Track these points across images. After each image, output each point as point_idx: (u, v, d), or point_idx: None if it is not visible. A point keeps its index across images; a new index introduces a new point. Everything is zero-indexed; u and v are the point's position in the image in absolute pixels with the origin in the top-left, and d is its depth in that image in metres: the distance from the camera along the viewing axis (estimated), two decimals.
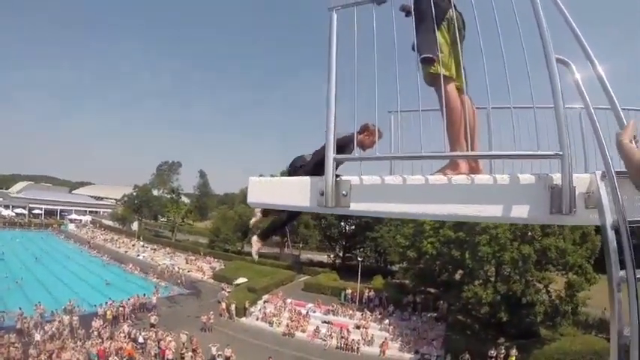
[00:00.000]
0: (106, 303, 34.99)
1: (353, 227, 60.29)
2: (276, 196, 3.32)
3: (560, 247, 29.57)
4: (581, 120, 4.19)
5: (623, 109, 2.61)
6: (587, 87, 3.05)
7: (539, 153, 2.67)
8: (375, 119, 3.35)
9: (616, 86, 2.63)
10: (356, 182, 2.96)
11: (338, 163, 3.02)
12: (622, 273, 2.23)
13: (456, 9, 3.54)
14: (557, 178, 2.52)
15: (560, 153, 2.50)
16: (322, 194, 2.93)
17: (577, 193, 2.49)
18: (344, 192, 2.92)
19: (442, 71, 3.23)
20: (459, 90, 3.50)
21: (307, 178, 3.17)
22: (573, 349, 28.85)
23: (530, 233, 31.26)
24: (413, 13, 3.19)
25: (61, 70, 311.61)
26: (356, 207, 2.94)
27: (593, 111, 2.88)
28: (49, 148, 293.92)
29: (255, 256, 6.12)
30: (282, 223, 5.36)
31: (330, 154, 2.93)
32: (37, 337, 27.92)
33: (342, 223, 60.18)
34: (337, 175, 2.98)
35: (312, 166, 4.17)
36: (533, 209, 2.56)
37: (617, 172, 2.39)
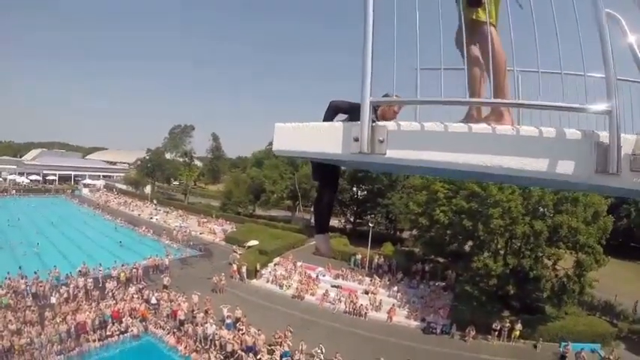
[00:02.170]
0: (121, 265, 35.67)
1: (365, 193, 60.33)
2: (304, 142, 3.17)
3: (572, 226, 29.29)
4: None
5: None
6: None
7: (587, 106, 2.53)
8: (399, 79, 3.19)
9: None
10: (393, 128, 2.80)
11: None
12: None
13: None
14: (603, 136, 2.39)
15: (609, 109, 2.37)
16: (357, 140, 2.78)
17: (623, 153, 2.36)
18: (380, 138, 2.76)
19: (486, 18, 3.11)
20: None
21: (340, 123, 3.04)
22: (577, 328, 29.15)
23: (542, 209, 31.05)
24: None
25: (70, 35, 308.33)
26: (393, 154, 2.77)
27: None
28: (61, 115, 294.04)
29: (329, 253, 5.66)
30: (324, 204, 4.65)
31: (367, 96, 2.77)
32: (53, 299, 28.74)
33: (354, 189, 60.23)
34: (373, 120, 2.83)
35: (330, 117, 4.00)
36: (579, 166, 2.42)
37: None
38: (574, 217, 29.41)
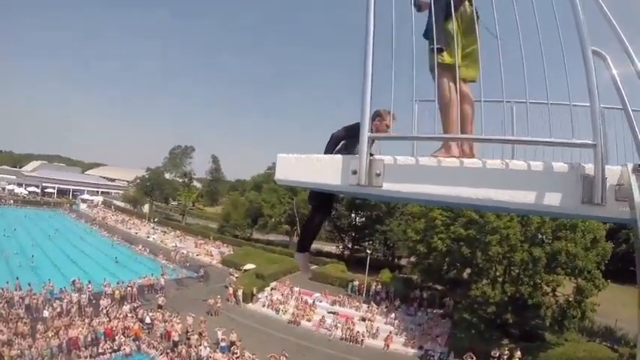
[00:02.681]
0: (116, 283, 35.45)
1: (363, 219, 60.36)
2: (305, 173, 3.32)
3: (570, 252, 29.35)
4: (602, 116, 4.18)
5: None
6: (623, 83, 3.05)
7: (572, 141, 2.70)
8: (397, 107, 3.41)
9: None
10: (390, 162, 2.96)
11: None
12: None
13: (470, 2, 3.69)
14: (589, 168, 2.55)
15: (594, 143, 2.52)
16: (355, 173, 2.93)
17: (608, 184, 2.51)
18: (377, 171, 2.91)
19: (439, 60, 3.39)
20: (465, 79, 3.65)
21: (339, 156, 3.19)
22: (577, 355, 28.68)
23: (540, 236, 31.13)
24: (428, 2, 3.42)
25: (75, 51, 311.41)
26: (389, 187, 2.92)
27: (629, 106, 2.88)
28: (63, 129, 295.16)
29: (307, 273, 5.85)
30: (313, 226, 4.94)
31: (365, 132, 2.93)
32: (46, 313, 28.56)
33: (353, 215, 60.26)
34: (371, 154, 2.99)
35: (331, 148, 4.20)
36: (565, 198, 2.57)
37: None
38: (572, 243, 29.46)
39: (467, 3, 3.62)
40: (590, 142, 2.55)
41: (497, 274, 32.72)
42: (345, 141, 3.96)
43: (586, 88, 2.60)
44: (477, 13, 3.67)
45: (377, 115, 4.08)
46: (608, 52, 3.06)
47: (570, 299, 30.48)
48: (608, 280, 30.38)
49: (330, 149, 3.95)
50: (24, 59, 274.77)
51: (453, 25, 3.36)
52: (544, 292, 31.25)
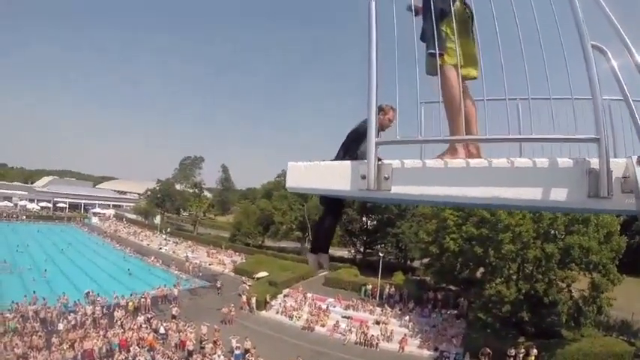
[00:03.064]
0: (130, 294, 35.63)
1: (374, 223, 60.37)
2: (315, 180, 3.41)
3: (584, 246, 29.13)
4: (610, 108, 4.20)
5: None
6: (623, 75, 3.07)
7: (576, 137, 2.73)
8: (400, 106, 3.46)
9: None
10: (397, 166, 3.01)
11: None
12: None
13: (463, 1, 3.76)
14: (594, 162, 2.57)
15: (597, 137, 2.55)
16: (364, 178, 2.99)
17: (613, 177, 2.52)
18: (386, 175, 2.98)
19: (442, 62, 3.45)
20: (465, 78, 3.69)
21: (348, 162, 3.26)
22: (594, 350, 28.50)
23: (553, 232, 30.90)
24: (422, 6, 3.50)
25: (84, 67, 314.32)
26: (397, 190, 2.98)
27: (630, 98, 2.90)
28: (73, 144, 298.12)
29: (319, 271, 5.89)
30: (324, 227, 5.03)
31: (373, 138, 3.00)
32: (60, 326, 28.80)
33: (364, 219, 60.28)
34: (379, 159, 3.05)
35: (341, 155, 4.28)
36: (572, 193, 2.60)
37: None
38: (586, 237, 29.24)
39: (458, 3, 3.64)
40: (593, 136, 2.58)
41: (511, 272, 32.42)
42: (352, 143, 4.06)
43: (587, 82, 2.63)
44: (470, 11, 3.74)
45: (380, 110, 4.15)
46: (608, 47, 3.08)
47: (586, 294, 30.23)
48: (623, 275, 30.11)
49: (340, 156, 4.08)
50: (32, 74, 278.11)
51: (452, 26, 3.40)
52: (559, 288, 31.00)
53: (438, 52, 3.37)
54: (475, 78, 3.79)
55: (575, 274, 30.73)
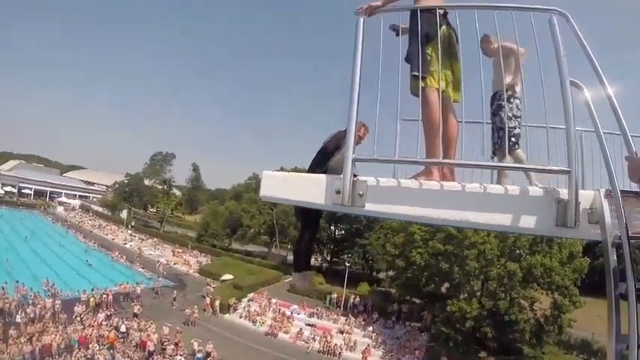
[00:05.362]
0: (92, 290, 34.75)
1: (342, 232, 60.54)
2: (290, 191, 3.40)
3: (546, 265, 29.85)
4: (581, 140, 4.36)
5: (633, 136, 2.74)
6: (597, 110, 3.21)
7: (548, 168, 2.83)
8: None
9: (628, 111, 2.79)
10: (372, 183, 3.05)
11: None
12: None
13: (449, 26, 3.81)
14: (563, 192, 2.69)
15: (568, 169, 2.66)
16: (338, 192, 3.02)
17: (581, 208, 2.64)
18: (360, 192, 3.01)
19: (424, 84, 3.52)
20: (447, 100, 3.76)
21: (324, 176, 3.28)
22: None
23: (518, 251, 31.58)
24: (408, 28, 3.60)
25: (59, 51, 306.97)
26: (371, 207, 3.02)
27: (602, 133, 3.02)
28: (43, 129, 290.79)
29: (304, 286, 5.85)
30: (305, 242, 5.04)
31: (350, 155, 3.04)
32: (18, 318, 27.81)
33: (332, 227, 60.36)
34: (355, 175, 3.08)
35: (313, 167, 4.34)
36: (540, 220, 2.70)
37: (621, 191, 2.54)
38: (548, 257, 29.95)
39: (444, 27, 3.73)
40: (565, 168, 2.68)
41: (475, 288, 33.01)
42: (320, 159, 4.14)
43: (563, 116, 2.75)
44: (455, 35, 3.80)
45: None
46: (582, 80, 3.22)
47: (547, 314, 30.93)
48: (584, 300, 30.88)
49: (312, 167, 4.20)
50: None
51: (438, 50, 3.48)
52: (522, 307, 31.62)
53: (420, 75, 3.45)
54: (457, 102, 3.88)
55: (538, 294, 31.42)
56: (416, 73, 3.48)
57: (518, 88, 4.15)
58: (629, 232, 2.37)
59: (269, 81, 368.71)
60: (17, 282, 33.08)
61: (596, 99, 3.12)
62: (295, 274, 4.94)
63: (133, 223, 79.35)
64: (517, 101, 4.39)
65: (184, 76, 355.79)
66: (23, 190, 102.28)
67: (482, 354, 31.37)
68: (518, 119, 4.31)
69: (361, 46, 3.17)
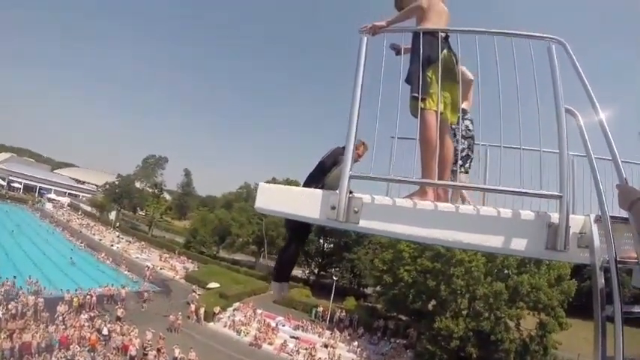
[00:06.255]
0: (75, 290, 34.35)
1: (331, 246, 60.53)
2: (285, 204, 3.44)
3: (532, 284, 30.02)
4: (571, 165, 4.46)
5: (623, 161, 2.83)
6: (589, 136, 3.30)
7: (540, 192, 2.91)
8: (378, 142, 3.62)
9: (621, 138, 2.88)
10: (368, 200, 3.10)
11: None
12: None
13: (450, 49, 3.88)
14: (554, 217, 2.76)
15: (560, 194, 2.74)
16: (334, 208, 3.06)
17: (571, 232, 2.71)
18: (355, 209, 3.05)
19: (423, 106, 3.59)
20: (445, 122, 3.84)
21: (319, 191, 3.33)
22: None
23: (506, 271, 31.74)
24: (410, 49, 3.70)
25: (58, 48, 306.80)
26: (365, 224, 3.07)
27: (594, 159, 3.11)
28: (36, 123, 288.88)
29: (280, 297, 5.87)
30: (290, 253, 5.06)
31: (347, 171, 3.09)
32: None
33: (321, 241, 60.34)
34: (350, 191, 3.13)
35: (309, 182, 4.42)
36: (531, 243, 2.78)
37: (611, 217, 2.62)
38: (537, 277, 30.13)
39: (445, 51, 3.80)
40: (557, 193, 2.76)
41: (462, 307, 33.06)
42: (316, 174, 4.21)
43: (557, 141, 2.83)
44: (455, 58, 3.86)
45: None
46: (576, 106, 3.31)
47: (533, 334, 31.02)
48: (570, 322, 31.03)
49: (307, 182, 4.30)
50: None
51: (438, 73, 3.55)
52: (507, 326, 31.67)
53: (420, 97, 3.53)
54: (454, 124, 3.96)
55: (524, 313, 31.55)
56: (416, 95, 3.55)
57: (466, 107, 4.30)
58: (617, 256, 2.45)
59: (266, 92, 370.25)
60: (7, 279, 32.53)
61: (587, 124, 3.22)
62: (274, 283, 5.07)
63: (118, 224, 78.56)
64: (467, 122, 4.54)
65: (182, 83, 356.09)
66: (12, 184, 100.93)
67: None
68: (468, 140, 4.47)
69: (363, 65, 3.24)
